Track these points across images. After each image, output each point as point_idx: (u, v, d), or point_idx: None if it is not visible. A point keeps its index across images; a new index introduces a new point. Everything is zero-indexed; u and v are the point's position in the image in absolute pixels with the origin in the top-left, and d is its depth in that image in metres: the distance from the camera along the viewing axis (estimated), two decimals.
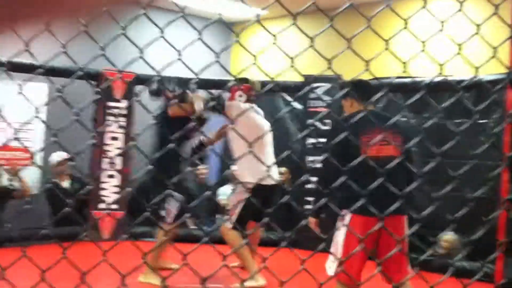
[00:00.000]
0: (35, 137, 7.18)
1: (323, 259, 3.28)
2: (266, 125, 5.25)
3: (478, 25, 1.35)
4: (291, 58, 1.24)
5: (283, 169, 7.61)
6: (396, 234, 3.11)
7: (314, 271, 1.48)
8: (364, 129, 3.21)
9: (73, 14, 1.32)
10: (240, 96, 5.10)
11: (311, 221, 3.61)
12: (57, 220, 6.72)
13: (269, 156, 5.13)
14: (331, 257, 3.41)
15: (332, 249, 3.37)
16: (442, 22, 1.36)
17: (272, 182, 4.68)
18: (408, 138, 3.35)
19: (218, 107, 4.92)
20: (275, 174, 5.15)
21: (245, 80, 5.11)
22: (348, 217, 3.29)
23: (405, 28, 1.26)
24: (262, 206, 4.30)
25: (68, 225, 6.73)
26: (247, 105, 5.04)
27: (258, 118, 5.21)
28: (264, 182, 4.52)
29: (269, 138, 5.19)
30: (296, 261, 1.48)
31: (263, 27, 1.27)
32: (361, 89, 3.60)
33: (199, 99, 4.79)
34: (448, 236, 5.60)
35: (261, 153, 4.88)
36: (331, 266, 3.38)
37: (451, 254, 5.61)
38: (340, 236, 3.37)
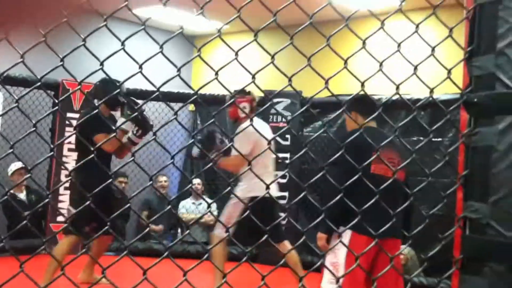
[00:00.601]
0: None
1: (283, 274, 3.27)
2: (268, 134, 5.01)
3: (433, 48, 1.39)
4: (253, 75, 1.26)
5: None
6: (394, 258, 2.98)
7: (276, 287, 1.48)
8: (374, 145, 2.86)
9: (33, 24, 1.31)
10: (245, 108, 4.90)
11: (321, 237, 3.31)
12: (14, 232, 6.57)
13: (272, 166, 5.00)
14: (327, 277, 3.26)
15: (328, 269, 3.14)
16: (399, 44, 1.40)
17: (276, 194, 4.49)
18: (404, 159, 3.17)
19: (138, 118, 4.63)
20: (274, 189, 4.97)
21: (244, 92, 4.85)
22: (347, 235, 3.07)
23: (363, 47, 1.30)
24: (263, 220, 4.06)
25: (25, 237, 6.57)
26: (252, 123, 4.84)
27: (263, 131, 5.02)
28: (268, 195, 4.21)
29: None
30: (258, 277, 1.48)
31: (225, 42, 1.29)
32: (366, 104, 3.52)
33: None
34: (405, 251, 5.69)
35: (267, 165, 4.80)
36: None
37: (408, 269, 5.70)
38: (341, 255, 3.17)
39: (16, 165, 6.70)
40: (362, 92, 1.48)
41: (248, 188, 4.56)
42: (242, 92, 4.79)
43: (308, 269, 1.69)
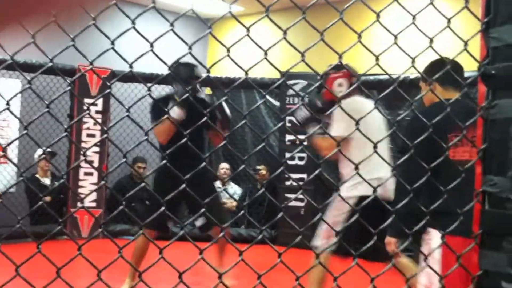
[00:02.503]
0: (10, 134, 7.10)
1: (301, 254, 3.24)
2: (379, 119, 3.92)
3: (449, 19, 1.37)
4: (265, 51, 1.25)
5: (261, 167, 7.65)
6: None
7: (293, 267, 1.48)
8: (452, 124, 2.13)
9: (44, 8, 1.31)
10: (340, 85, 3.99)
11: (390, 241, 2.84)
12: (35, 217, 6.67)
13: (384, 153, 3.59)
14: (423, 281, 2.69)
15: (423, 278, 2.66)
16: (414, 16, 1.37)
17: (390, 196, 3.37)
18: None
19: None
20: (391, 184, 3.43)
21: (341, 67, 3.94)
22: (436, 238, 2.59)
23: (377, 21, 1.27)
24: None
25: (46, 223, 6.69)
26: (359, 99, 3.95)
27: (370, 111, 3.69)
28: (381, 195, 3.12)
29: (383, 134, 3.70)
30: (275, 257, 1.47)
31: (236, 19, 1.28)
32: (447, 70, 2.60)
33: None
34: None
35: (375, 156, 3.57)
36: None
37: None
38: (434, 262, 2.54)
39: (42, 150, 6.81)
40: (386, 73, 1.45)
41: (354, 184, 3.61)
42: (336, 67, 3.97)
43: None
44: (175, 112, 4.13)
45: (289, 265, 1.44)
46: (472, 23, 1.54)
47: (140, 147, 5.97)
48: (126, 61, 1.23)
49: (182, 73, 4.30)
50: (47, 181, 7.01)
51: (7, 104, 1.14)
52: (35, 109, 6.81)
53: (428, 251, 2.56)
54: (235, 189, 7.96)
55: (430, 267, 1.77)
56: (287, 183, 7.22)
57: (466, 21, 1.77)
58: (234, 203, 7.79)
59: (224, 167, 7.92)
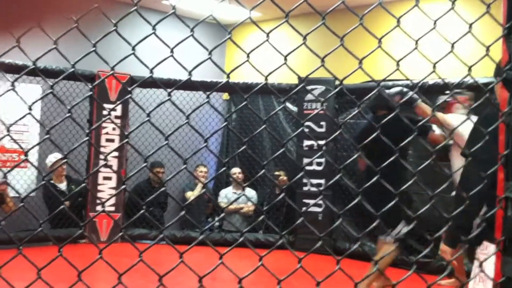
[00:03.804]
0: (31, 139, 7.18)
1: (318, 260, 3.25)
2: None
3: (470, 24, 1.36)
4: (284, 57, 1.25)
5: (280, 172, 7.64)
6: None
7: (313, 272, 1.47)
8: None
9: (64, 15, 1.33)
10: (458, 109, 4.89)
11: (445, 250, 2.73)
12: (54, 222, 6.74)
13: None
14: None
15: None
16: (435, 21, 1.36)
17: None
18: None
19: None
20: None
21: (459, 92, 4.93)
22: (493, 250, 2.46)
23: (397, 26, 1.27)
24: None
25: (65, 227, 6.75)
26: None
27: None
28: None
29: None
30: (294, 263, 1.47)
31: (255, 23, 1.28)
32: None
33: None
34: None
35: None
36: None
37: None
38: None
39: (56, 156, 6.85)
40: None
41: None
42: (458, 93, 4.85)
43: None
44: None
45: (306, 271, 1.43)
46: (490, 28, 1.53)
47: (158, 152, 6.00)
48: (147, 67, 1.24)
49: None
50: (62, 186, 7.06)
51: (30, 108, 1.15)
52: (55, 114, 6.88)
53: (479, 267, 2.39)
54: (252, 194, 7.97)
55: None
56: (305, 188, 7.20)
57: (485, 26, 1.76)
58: (252, 207, 7.80)
59: (235, 171, 7.94)
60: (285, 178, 7.61)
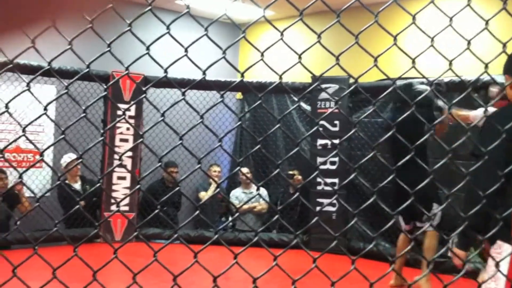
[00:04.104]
0: (46, 140, 7.23)
1: (332, 260, 3.23)
2: None
3: (487, 21, 1.34)
4: (299, 55, 1.24)
5: (294, 171, 7.62)
6: None
7: (327, 272, 1.46)
8: None
9: (78, 14, 1.33)
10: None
11: (458, 253, 2.64)
12: (69, 221, 6.78)
13: None
14: None
15: None
16: (451, 18, 1.35)
17: None
18: None
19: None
20: None
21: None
22: (507, 252, 2.35)
23: (413, 23, 1.26)
24: None
25: (80, 227, 6.79)
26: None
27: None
28: None
29: None
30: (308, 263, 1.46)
31: (270, 23, 1.27)
32: None
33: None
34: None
35: None
36: None
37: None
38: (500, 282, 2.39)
39: (71, 156, 6.89)
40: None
41: None
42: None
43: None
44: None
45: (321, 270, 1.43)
46: (507, 25, 1.51)
47: (172, 152, 6.02)
48: (161, 66, 1.23)
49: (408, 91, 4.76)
50: (77, 186, 7.10)
51: (45, 109, 1.16)
52: (70, 114, 6.92)
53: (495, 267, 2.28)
54: (263, 193, 7.97)
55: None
56: (319, 187, 7.18)
57: (502, 23, 1.74)
58: (265, 206, 7.80)
59: (244, 171, 7.95)
60: (299, 177, 7.59)
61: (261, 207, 7.83)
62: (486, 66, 1.33)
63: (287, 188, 7.87)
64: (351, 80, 6.73)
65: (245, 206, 7.72)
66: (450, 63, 1.31)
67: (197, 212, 1.35)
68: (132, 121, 7.19)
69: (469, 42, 1.30)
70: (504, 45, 1.34)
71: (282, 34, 1.20)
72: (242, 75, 1.26)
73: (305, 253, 1.52)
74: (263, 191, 8.00)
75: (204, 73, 1.20)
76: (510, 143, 1.52)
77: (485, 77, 5.17)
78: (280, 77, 1.25)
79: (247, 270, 1.39)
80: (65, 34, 1.27)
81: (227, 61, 1.21)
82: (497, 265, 2.04)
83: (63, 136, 1.12)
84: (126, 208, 7.18)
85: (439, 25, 1.37)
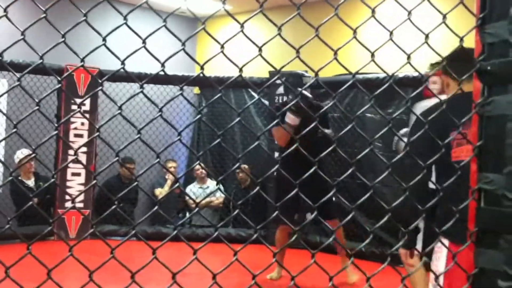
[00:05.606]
0: None
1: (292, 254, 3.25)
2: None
3: (444, 15, 1.36)
4: (259, 48, 1.23)
5: (244, 166, 7.63)
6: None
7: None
8: (457, 120, 1.62)
9: (32, 3, 1.28)
10: (434, 83, 4.19)
11: (402, 253, 2.66)
12: (22, 219, 6.61)
13: None
14: None
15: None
16: (409, 12, 1.36)
17: None
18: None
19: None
20: None
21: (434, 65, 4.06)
22: (443, 247, 2.32)
23: (372, 16, 1.26)
24: None
25: (34, 224, 6.63)
26: None
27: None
28: None
29: None
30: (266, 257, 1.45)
31: (230, 14, 1.26)
32: (461, 63, 2.01)
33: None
34: None
35: None
36: None
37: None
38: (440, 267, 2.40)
39: (23, 152, 6.72)
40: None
41: None
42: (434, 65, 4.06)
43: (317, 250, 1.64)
44: (290, 118, 4.75)
45: (276, 264, 1.42)
46: (464, 20, 1.53)
47: (128, 148, 5.94)
48: (118, 58, 1.20)
49: (293, 83, 5.04)
50: (30, 182, 6.94)
51: None
52: (22, 109, 6.74)
53: (438, 267, 2.40)
54: (217, 187, 7.99)
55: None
56: None
57: (459, 17, 1.77)
58: (221, 199, 7.83)
59: (198, 167, 7.93)
60: (241, 174, 7.65)
61: (218, 201, 7.83)
62: (409, 57, 1.33)
63: (239, 184, 7.92)
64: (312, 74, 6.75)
65: (203, 202, 7.70)
66: (408, 57, 1.32)
67: (156, 208, 1.32)
68: (87, 115, 7.06)
69: (427, 36, 1.31)
70: (461, 39, 1.36)
71: (242, 26, 1.19)
72: (202, 68, 1.24)
73: (263, 248, 1.51)
74: (215, 185, 8.03)
75: (163, 65, 1.17)
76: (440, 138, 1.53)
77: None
78: (240, 70, 1.24)
79: (207, 265, 1.37)
80: (17, 25, 1.22)
81: (186, 53, 1.19)
82: (436, 278, 2.10)
83: (15, 130, 1.08)
84: (81, 205, 7.06)
85: (400, 20, 1.38)
